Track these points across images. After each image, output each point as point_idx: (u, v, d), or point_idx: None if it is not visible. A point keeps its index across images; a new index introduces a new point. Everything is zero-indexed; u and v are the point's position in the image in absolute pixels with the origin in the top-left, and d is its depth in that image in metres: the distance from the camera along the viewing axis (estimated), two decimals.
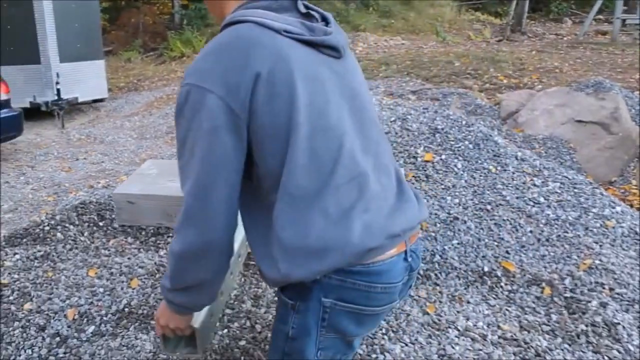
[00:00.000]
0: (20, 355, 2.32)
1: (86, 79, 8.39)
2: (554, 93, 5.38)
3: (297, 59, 1.11)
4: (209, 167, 1.07)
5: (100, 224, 3.33)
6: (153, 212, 2.55)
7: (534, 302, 2.58)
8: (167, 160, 3.16)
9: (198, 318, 1.45)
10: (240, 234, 1.87)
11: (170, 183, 2.61)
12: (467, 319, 2.47)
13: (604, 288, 2.58)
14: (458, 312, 2.54)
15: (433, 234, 3.02)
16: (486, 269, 2.80)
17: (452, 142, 3.53)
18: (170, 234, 2.99)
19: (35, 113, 7.91)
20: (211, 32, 13.01)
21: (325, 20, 1.25)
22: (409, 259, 1.24)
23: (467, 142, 3.53)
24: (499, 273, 2.77)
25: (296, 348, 1.20)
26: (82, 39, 8.27)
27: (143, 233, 3.13)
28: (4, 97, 5.64)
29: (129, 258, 3.04)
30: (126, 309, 2.55)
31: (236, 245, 1.78)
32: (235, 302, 2.59)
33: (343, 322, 1.18)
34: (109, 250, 3.14)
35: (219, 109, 1.04)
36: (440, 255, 2.90)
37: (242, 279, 2.77)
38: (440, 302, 2.62)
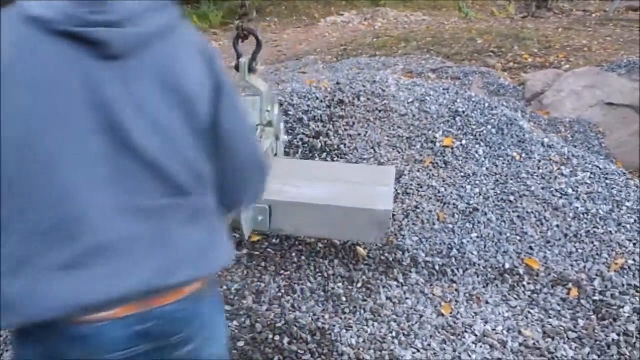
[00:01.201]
0: (7, 351, 2.19)
1: None
2: (583, 73, 5.07)
3: (33, 57, 0.87)
4: None
5: None
6: None
7: (558, 305, 2.37)
8: None
9: None
10: None
11: None
12: (486, 322, 2.27)
13: (637, 291, 2.35)
14: (475, 313, 2.34)
15: (450, 226, 2.80)
16: (507, 265, 2.59)
17: (474, 126, 3.29)
18: None
19: None
20: (227, 7, 12.72)
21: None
22: (145, 325, 0.97)
23: (489, 127, 3.28)
24: (521, 270, 2.56)
25: None
26: None
27: None
28: None
29: None
30: None
31: None
32: (236, 298, 2.42)
33: None
34: None
35: None
36: (457, 249, 2.69)
37: (245, 272, 2.59)
38: (457, 301, 2.42)
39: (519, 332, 2.21)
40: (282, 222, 2.27)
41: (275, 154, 2.71)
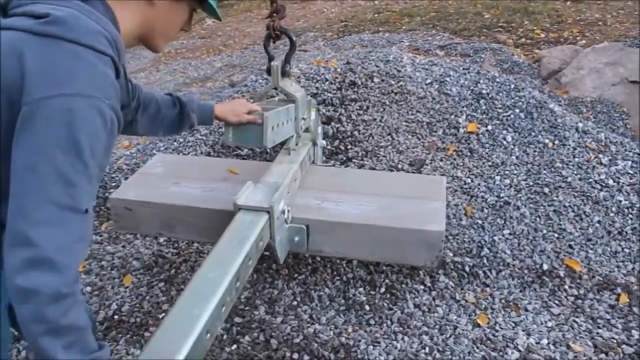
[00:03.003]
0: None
1: None
2: (604, 49, 4.78)
3: None
4: None
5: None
6: (152, 221, 2.21)
7: (607, 313, 2.12)
8: (175, 156, 2.73)
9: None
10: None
11: (173, 187, 2.24)
12: (528, 335, 2.02)
13: None
14: (515, 323, 2.09)
15: (480, 222, 2.54)
16: (545, 267, 2.34)
17: (500, 110, 3.01)
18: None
19: None
20: None
21: None
22: None
23: (517, 110, 3.00)
24: (561, 273, 2.31)
25: None
26: None
27: None
28: None
29: (123, 246, 2.62)
30: (116, 317, 2.13)
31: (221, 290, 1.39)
32: (247, 308, 2.16)
33: None
34: (101, 236, 2.71)
35: None
36: (489, 248, 2.43)
37: (254, 276, 2.33)
38: (493, 309, 2.17)
39: (568, 347, 1.96)
40: (321, 243, 1.99)
41: (313, 161, 2.45)
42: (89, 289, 2.31)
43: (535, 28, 6.32)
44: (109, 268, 2.46)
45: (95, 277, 2.40)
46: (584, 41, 5.66)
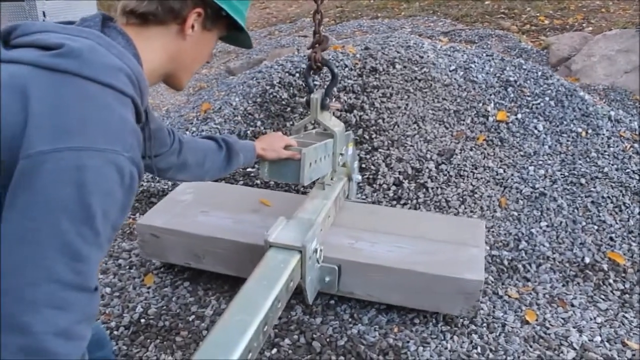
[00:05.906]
0: None
1: (77, 19, 7.55)
2: (615, 37, 4.70)
3: None
4: None
5: None
6: (178, 250, 2.11)
7: None
8: (206, 183, 2.54)
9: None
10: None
11: (200, 216, 2.15)
12: (580, 332, 1.93)
13: None
14: (565, 320, 2.00)
15: (516, 213, 2.45)
16: (587, 260, 2.25)
17: (529, 98, 2.90)
18: None
19: None
20: None
21: None
22: None
23: (547, 98, 2.90)
24: (604, 266, 2.23)
25: None
26: None
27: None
28: None
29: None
30: (142, 320, 1.99)
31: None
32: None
33: None
34: None
35: None
36: (526, 241, 2.34)
37: None
38: (538, 304, 2.08)
39: (623, 344, 1.88)
40: (353, 285, 1.90)
41: (348, 197, 2.33)
42: (108, 289, 2.16)
43: (538, 14, 6.24)
44: (127, 267, 2.32)
45: (114, 276, 2.25)
46: (590, 28, 5.59)
